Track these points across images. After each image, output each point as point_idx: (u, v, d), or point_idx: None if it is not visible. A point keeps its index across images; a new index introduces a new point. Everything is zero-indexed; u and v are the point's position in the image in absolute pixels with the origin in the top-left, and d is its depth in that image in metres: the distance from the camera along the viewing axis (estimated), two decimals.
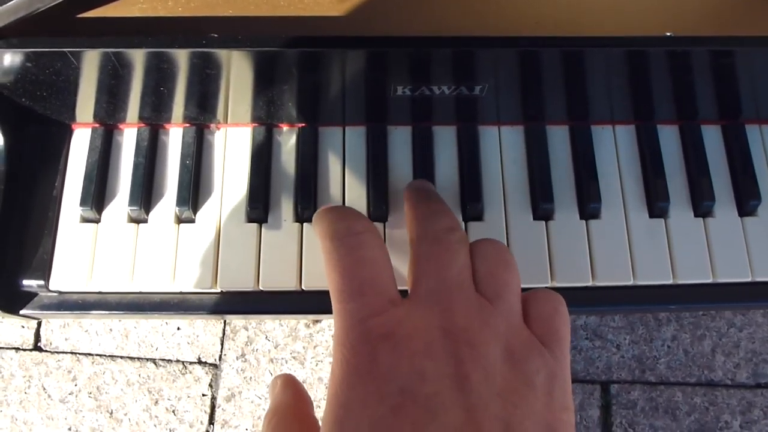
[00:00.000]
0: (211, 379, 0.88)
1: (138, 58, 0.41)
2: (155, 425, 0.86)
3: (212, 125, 0.50)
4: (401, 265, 0.46)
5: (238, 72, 0.43)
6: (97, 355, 0.87)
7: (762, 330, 0.88)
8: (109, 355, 0.87)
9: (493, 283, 0.34)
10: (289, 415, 0.35)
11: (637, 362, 0.87)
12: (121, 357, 0.87)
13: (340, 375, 0.30)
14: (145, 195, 0.48)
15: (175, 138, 0.50)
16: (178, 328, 0.89)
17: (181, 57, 0.41)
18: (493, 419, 0.29)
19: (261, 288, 0.46)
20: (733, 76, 0.46)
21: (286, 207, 0.48)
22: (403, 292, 0.34)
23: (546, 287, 0.47)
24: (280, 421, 0.35)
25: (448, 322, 0.31)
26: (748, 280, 0.48)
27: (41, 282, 0.47)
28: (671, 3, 0.44)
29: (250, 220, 0.47)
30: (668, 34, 0.41)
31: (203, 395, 0.87)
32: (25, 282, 0.47)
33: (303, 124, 0.49)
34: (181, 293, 0.47)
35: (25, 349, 0.88)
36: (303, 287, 0.46)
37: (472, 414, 0.28)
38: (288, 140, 0.49)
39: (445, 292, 0.32)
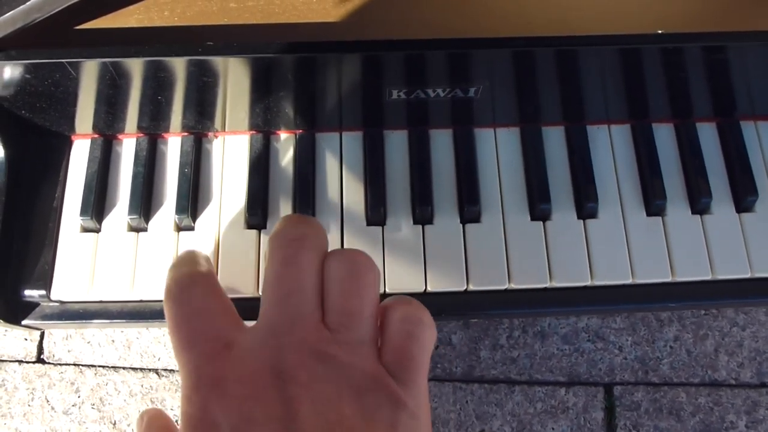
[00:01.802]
0: None
1: (136, 67, 0.41)
2: None
3: (210, 134, 0.50)
4: (403, 269, 0.46)
5: (234, 79, 0.43)
6: (99, 366, 0.87)
7: (765, 328, 0.87)
8: (112, 366, 0.87)
9: (339, 312, 0.33)
10: None
11: (639, 363, 0.86)
12: (124, 368, 0.87)
13: (182, 425, 0.30)
14: (144, 204, 0.48)
15: (173, 147, 0.50)
16: None
17: (178, 65, 0.41)
18: None
19: (260, 293, 0.46)
20: (726, 72, 0.46)
21: (284, 213, 0.48)
22: None
23: (543, 288, 0.47)
24: None
25: (280, 360, 0.31)
26: (747, 276, 0.48)
27: (43, 292, 0.47)
28: (663, 0, 0.44)
29: (249, 226, 0.48)
30: (659, 31, 0.42)
31: None
32: (27, 292, 0.47)
33: (300, 131, 0.49)
34: None
35: (28, 362, 0.88)
36: None
37: None
38: (285, 147, 0.50)
39: (283, 324, 0.32)
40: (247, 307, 0.46)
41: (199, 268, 0.35)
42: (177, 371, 0.88)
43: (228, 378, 0.30)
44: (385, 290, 0.46)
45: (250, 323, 0.34)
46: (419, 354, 0.33)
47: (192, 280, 0.34)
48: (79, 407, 0.86)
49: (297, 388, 0.30)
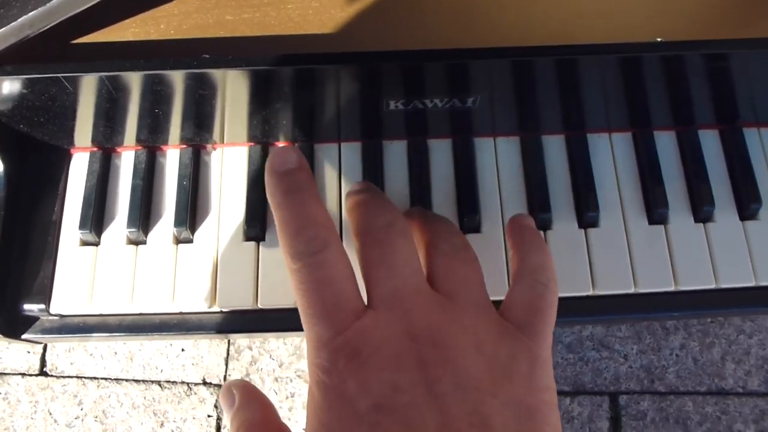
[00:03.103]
0: (216, 400, 0.87)
1: (132, 81, 0.41)
2: None
3: (209, 146, 0.50)
4: None
5: (231, 92, 0.43)
6: (102, 378, 0.87)
7: None
8: (114, 379, 0.87)
9: (450, 280, 0.34)
10: None
11: (645, 372, 0.86)
12: (126, 380, 0.87)
13: (318, 396, 0.30)
14: (143, 217, 0.48)
15: (172, 159, 0.50)
16: (183, 350, 0.89)
17: (175, 78, 0.41)
18: (471, 415, 0.29)
19: (260, 306, 0.46)
20: (727, 79, 0.46)
21: None
22: None
23: None
24: None
25: (411, 324, 0.31)
26: (752, 284, 0.47)
27: (42, 306, 0.47)
28: (662, 9, 0.44)
29: (247, 238, 0.47)
30: (658, 39, 0.41)
31: (208, 416, 0.87)
32: (26, 306, 0.47)
33: (299, 142, 0.49)
34: (180, 313, 0.47)
35: (31, 375, 0.88)
36: None
37: (448, 416, 0.29)
38: None
39: (402, 294, 0.32)
40: (249, 319, 0.47)
41: (331, 228, 0.34)
42: (179, 383, 0.88)
43: (365, 348, 0.30)
44: None
45: None
46: (546, 309, 0.35)
47: (324, 242, 0.32)
48: (82, 420, 0.86)
49: (433, 350, 0.30)
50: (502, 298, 0.46)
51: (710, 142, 0.51)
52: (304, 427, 0.31)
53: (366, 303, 0.33)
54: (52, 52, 0.41)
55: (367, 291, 0.33)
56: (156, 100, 0.44)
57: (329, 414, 0.30)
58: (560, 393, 0.86)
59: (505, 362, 0.32)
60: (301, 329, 0.48)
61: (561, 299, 0.47)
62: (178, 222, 0.47)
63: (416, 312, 0.32)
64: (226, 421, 0.88)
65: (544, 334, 0.34)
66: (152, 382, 0.89)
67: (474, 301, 0.34)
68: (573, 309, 0.48)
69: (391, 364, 0.30)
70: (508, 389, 0.31)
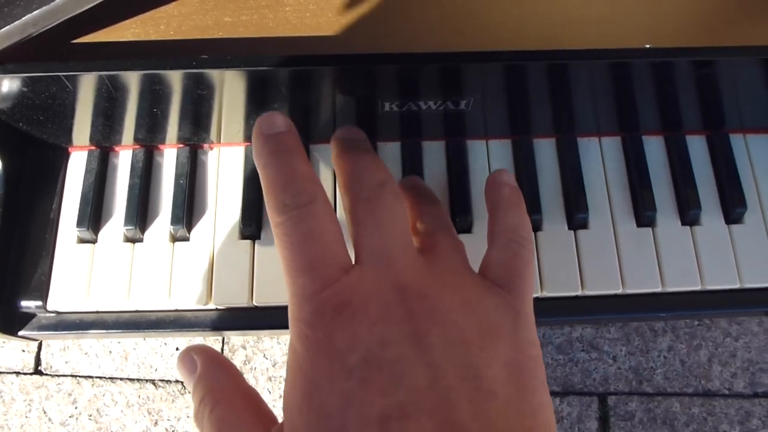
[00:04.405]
0: None
1: (131, 80, 0.42)
2: None
3: (206, 145, 0.51)
4: None
5: (228, 92, 0.44)
6: (97, 377, 0.88)
7: (758, 339, 0.88)
8: (109, 377, 0.88)
9: (435, 249, 0.35)
10: (234, 401, 0.32)
11: (633, 373, 0.87)
12: (121, 379, 0.88)
13: (302, 351, 0.29)
14: (140, 215, 0.48)
15: (169, 159, 0.50)
16: (177, 349, 0.89)
17: (173, 78, 0.42)
18: (460, 369, 0.29)
19: (255, 303, 0.46)
20: (714, 86, 0.47)
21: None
22: None
23: (535, 297, 0.47)
24: (227, 412, 0.32)
25: (399, 279, 0.31)
26: (737, 286, 0.48)
27: (39, 303, 0.47)
28: (652, 15, 0.45)
29: (243, 236, 0.48)
30: (647, 46, 0.42)
31: None
32: (24, 303, 0.47)
33: None
34: (176, 311, 0.48)
35: (25, 373, 0.88)
36: None
37: (437, 370, 0.28)
38: None
39: (390, 250, 0.32)
40: (244, 316, 0.48)
41: (319, 184, 0.33)
42: (173, 382, 0.88)
43: (353, 301, 0.30)
44: None
45: None
46: (526, 269, 0.35)
47: (310, 197, 0.32)
48: (77, 418, 0.87)
49: (421, 303, 0.30)
50: None
51: (697, 147, 0.52)
52: (284, 383, 0.30)
53: (353, 261, 0.33)
54: (52, 51, 0.42)
55: (354, 247, 0.33)
56: (154, 100, 0.44)
57: (314, 369, 0.29)
58: (550, 393, 0.87)
59: (490, 317, 0.32)
60: None
61: (551, 299, 0.48)
62: (175, 220, 0.48)
63: (404, 268, 0.32)
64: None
65: (524, 290, 0.34)
66: (147, 380, 0.89)
67: (457, 265, 0.35)
68: (562, 309, 0.48)
69: (380, 316, 0.29)
70: (495, 343, 0.31)
